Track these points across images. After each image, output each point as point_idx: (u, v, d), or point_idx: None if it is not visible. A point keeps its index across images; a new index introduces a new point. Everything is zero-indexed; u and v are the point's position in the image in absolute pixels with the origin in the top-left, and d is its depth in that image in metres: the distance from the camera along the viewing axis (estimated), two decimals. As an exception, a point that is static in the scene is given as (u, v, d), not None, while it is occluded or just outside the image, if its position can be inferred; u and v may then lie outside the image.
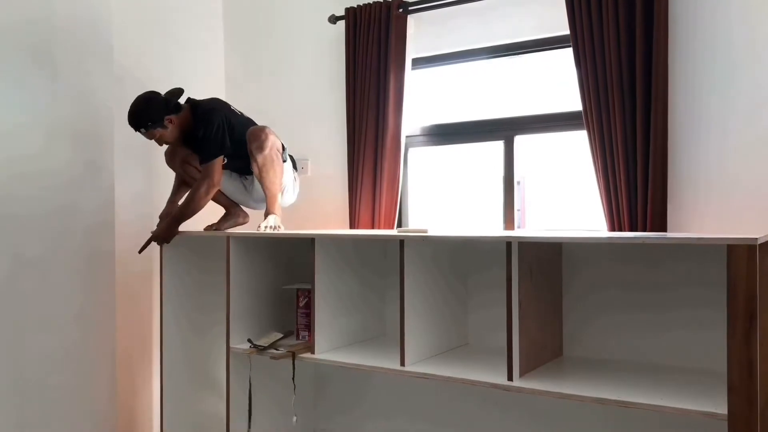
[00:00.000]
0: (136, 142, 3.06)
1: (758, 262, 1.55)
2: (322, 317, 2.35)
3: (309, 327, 2.43)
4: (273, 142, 2.61)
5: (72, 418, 2.74)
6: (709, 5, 2.30)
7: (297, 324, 2.55)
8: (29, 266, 2.60)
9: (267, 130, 2.62)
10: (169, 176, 3.20)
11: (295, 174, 2.80)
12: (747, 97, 2.24)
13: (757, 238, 1.55)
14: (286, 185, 2.71)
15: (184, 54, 3.34)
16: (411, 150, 3.08)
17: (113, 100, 2.94)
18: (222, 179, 2.65)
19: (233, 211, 2.86)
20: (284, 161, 2.67)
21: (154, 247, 2.81)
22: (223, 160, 2.63)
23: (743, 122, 2.25)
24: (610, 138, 2.39)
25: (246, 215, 2.90)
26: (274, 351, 2.41)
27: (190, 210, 2.61)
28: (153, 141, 2.67)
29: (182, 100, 2.66)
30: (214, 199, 2.80)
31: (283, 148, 2.67)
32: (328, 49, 3.20)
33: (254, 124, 2.75)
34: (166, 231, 2.68)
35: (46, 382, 2.64)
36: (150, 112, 2.57)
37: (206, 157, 2.57)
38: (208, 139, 2.55)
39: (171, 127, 2.60)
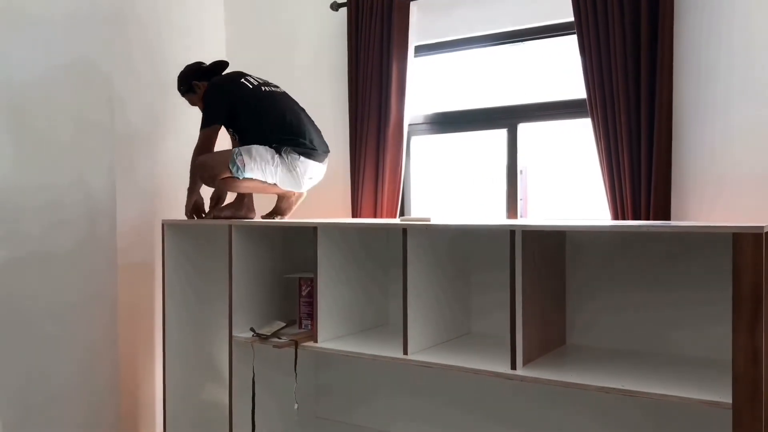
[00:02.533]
0: (137, 132, 3.06)
1: (764, 250, 1.54)
2: (324, 306, 2.34)
3: (312, 316, 2.43)
4: (213, 174, 2.55)
5: (75, 407, 2.74)
6: (715, -9, 2.28)
7: (299, 313, 2.55)
8: (31, 256, 2.59)
9: (200, 164, 2.59)
10: (170, 165, 3.19)
11: (285, 166, 2.58)
12: (753, 85, 2.22)
13: (763, 227, 1.54)
14: (276, 182, 2.59)
15: (185, 42, 3.32)
16: (413, 138, 3.07)
17: (114, 88, 2.93)
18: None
19: (238, 203, 2.82)
20: (240, 178, 2.51)
21: (157, 235, 2.81)
22: (233, 134, 2.72)
23: (749, 110, 2.23)
24: (614, 126, 2.37)
25: (251, 210, 2.84)
26: (277, 340, 2.41)
27: (190, 176, 2.71)
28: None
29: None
30: None
31: (237, 165, 2.50)
32: (330, 37, 3.18)
33: (274, 98, 2.68)
34: (186, 204, 2.72)
35: (49, 372, 2.65)
36: (182, 78, 2.83)
37: (201, 126, 2.70)
38: (203, 110, 2.73)
39: (199, 92, 2.79)
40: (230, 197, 2.91)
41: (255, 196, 2.87)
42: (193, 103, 2.85)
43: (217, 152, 2.64)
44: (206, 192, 2.80)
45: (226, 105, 2.66)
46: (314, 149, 2.64)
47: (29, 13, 2.60)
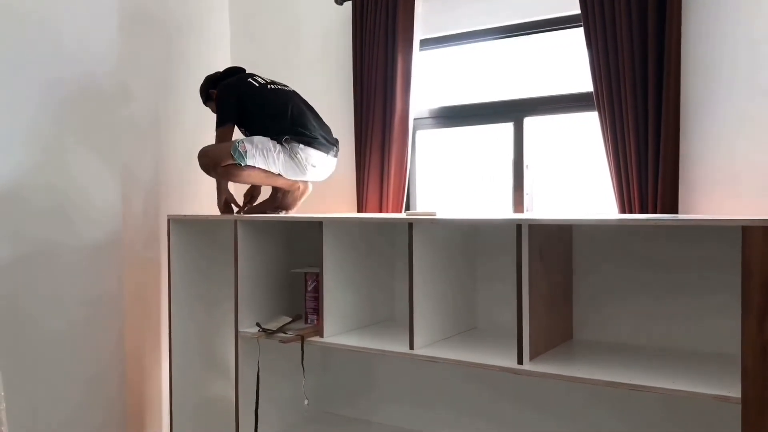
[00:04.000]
0: (143, 128, 3.06)
1: (774, 243, 1.52)
2: (330, 301, 2.34)
3: (317, 311, 2.43)
4: (215, 161, 2.60)
5: (82, 402, 2.75)
6: (723, -18, 2.26)
7: (305, 308, 2.54)
8: (37, 253, 2.60)
9: (202, 152, 2.65)
10: (175, 161, 3.19)
11: (286, 153, 2.58)
12: (761, 77, 2.20)
13: (772, 220, 1.53)
14: (280, 171, 2.61)
15: (189, 38, 3.31)
16: (419, 132, 3.06)
17: (118, 85, 2.92)
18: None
19: (272, 199, 2.85)
20: (242, 164, 2.53)
21: (163, 230, 2.81)
22: (244, 133, 2.74)
23: (757, 103, 2.21)
24: (621, 119, 2.36)
25: (285, 207, 2.81)
26: (283, 335, 2.41)
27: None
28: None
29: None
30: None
31: (239, 151, 2.53)
32: (335, 31, 3.17)
33: (278, 95, 2.70)
34: (218, 202, 2.74)
35: (55, 368, 2.65)
36: (201, 89, 2.88)
37: (216, 127, 2.76)
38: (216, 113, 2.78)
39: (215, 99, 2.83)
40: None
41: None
42: (214, 111, 2.89)
43: (220, 143, 2.68)
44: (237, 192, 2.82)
45: (234, 104, 2.71)
46: (315, 138, 2.64)
47: (35, 11, 2.59)
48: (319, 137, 2.66)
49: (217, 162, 2.60)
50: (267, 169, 2.58)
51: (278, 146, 2.59)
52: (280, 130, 2.60)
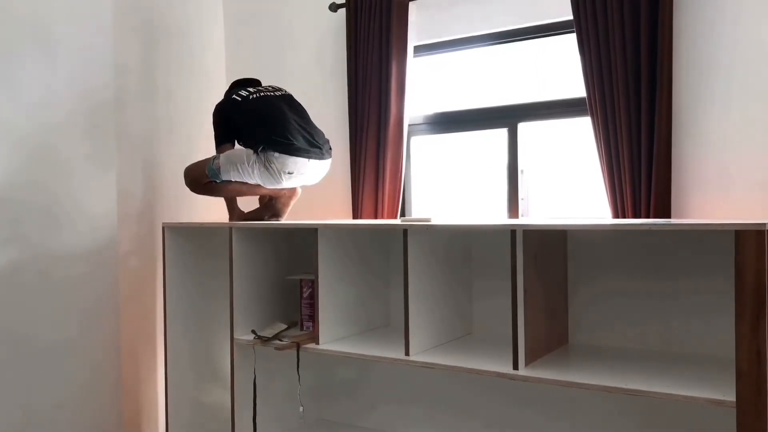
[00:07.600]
0: (137, 135, 3.06)
1: (767, 247, 1.53)
2: (326, 307, 2.34)
3: (313, 317, 2.43)
4: (196, 180, 2.68)
5: (78, 412, 2.74)
6: (714, -12, 2.27)
7: (301, 314, 2.54)
8: (32, 260, 2.59)
9: (185, 172, 2.73)
10: (170, 168, 3.18)
11: (261, 163, 2.55)
12: (753, 82, 2.21)
13: (765, 224, 1.53)
14: (258, 181, 2.60)
15: (183, 44, 3.31)
16: (414, 138, 3.06)
17: (113, 92, 2.92)
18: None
19: (264, 207, 2.84)
20: (218, 181, 2.62)
21: (158, 237, 2.80)
22: (241, 144, 2.73)
23: (749, 108, 2.22)
24: (614, 124, 2.37)
25: (276, 214, 2.79)
26: (279, 342, 2.40)
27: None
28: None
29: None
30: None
31: (213, 169, 2.60)
32: (330, 38, 3.18)
33: (261, 103, 2.67)
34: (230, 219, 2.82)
35: (51, 375, 2.64)
36: None
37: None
38: None
39: None
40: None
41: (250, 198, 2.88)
42: None
43: (200, 160, 2.71)
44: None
45: (223, 125, 2.73)
46: (291, 144, 2.55)
47: (29, 16, 2.59)
48: (296, 143, 2.57)
49: (198, 181, 2.66)
50: (244, 181, 2.60)
51: (253, 157, 2.55)
52: (257, 140, 2.56)
